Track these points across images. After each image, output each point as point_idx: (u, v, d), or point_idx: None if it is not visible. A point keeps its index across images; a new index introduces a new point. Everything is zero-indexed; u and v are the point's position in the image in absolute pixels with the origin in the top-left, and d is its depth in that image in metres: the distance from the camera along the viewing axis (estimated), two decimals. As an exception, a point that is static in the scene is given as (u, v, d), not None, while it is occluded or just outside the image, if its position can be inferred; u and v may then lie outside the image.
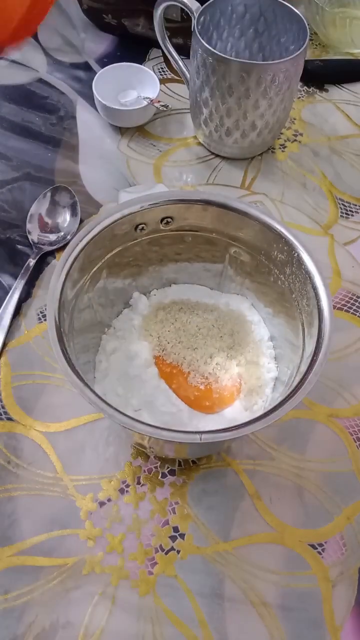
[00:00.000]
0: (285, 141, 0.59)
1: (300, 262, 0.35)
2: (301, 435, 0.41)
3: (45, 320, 0.45)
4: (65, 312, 0.33)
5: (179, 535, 0.37)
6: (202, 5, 0.49)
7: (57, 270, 0.33)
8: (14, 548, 0.36)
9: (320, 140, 0.59)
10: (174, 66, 0.56)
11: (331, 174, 0.57)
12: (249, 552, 0.37)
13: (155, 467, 0.39)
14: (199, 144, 0.58)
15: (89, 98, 0.59)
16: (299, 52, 0.47)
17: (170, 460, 0.40)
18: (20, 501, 0.38)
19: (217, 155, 0.57)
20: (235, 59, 0.46)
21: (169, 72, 0.64)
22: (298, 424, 0.42)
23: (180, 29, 0.60)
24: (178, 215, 0.38)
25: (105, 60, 0.65)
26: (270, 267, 0.38)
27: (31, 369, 0.43)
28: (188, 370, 0.39)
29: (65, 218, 0.51)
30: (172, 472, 0.39)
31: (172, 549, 0.37)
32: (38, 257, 0.48)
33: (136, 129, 0.59)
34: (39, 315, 0.46)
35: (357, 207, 0.54)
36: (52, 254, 0.50)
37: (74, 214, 0.51)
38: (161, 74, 0.64)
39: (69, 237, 0.50)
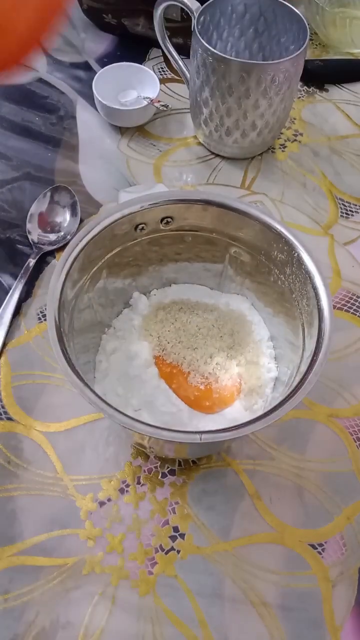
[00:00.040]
0: (285, 141, 0.59)
1: (300, 262, 0.35)
2: (301, 435, 0.41)
3: (45, 320, 0.45)
4: (65, 312, 0.33)
5: (179, 535, 0.37)
6: (202, 5, 0.49)
7: (57, 270, 0.33)
8: (14, 548, 0.36)
9: (320, 140, 0.59)
10: (174, 66, 0.56)
11: (331, 173, 0.57)
12: (249, 552, 0.37)
13: (155, 467, 0.39)
14: (199, 143, 0.58)
15: (89, 98, 0.59)
16: (299, 52, 0.47)
17: (170, 460, 0.40)
18: (20, 501, 0.38)
19: (217, 155, 0.57)
20: (235, 58, 0.46)
21: (169, 71, 0.64)
22: (298, 424, 0.42)
23: (180, 29, 0.60)
24: (178, 215, 0.38)
25: (105, 60, 0.65)
26: (270, 267, 0.38)
27: (31, 369, 0.43)
28: (188, 370, 0.39)
29: (65, 218, 0.51)
30: (172, 472, 0.39)
31: (172, 549, 0.37)
32: (38, 257, 0.48)
33: (136, 129, 0.59)
34: (39, 315, 0.46)
35: (357, 207, 0.54)
36: (52, 253, 0.50)
37: (74, 213, 0.51)
38: (161, 74, 0.64)
39: (69, 237, 0.50)
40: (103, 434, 0.40)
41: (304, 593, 0.36)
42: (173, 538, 0.37)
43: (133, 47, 0.66)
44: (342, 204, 0.54)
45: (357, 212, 0.54)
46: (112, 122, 0.58)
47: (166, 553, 0.36)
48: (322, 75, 0.65)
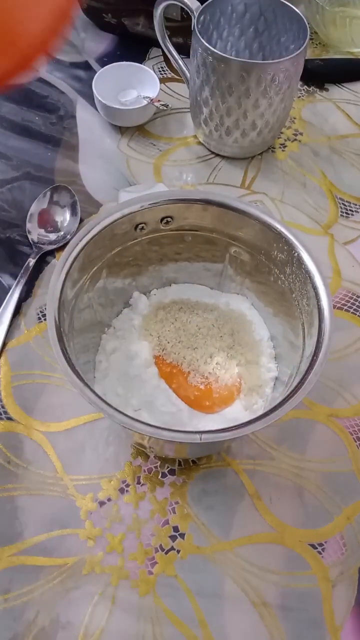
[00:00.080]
0: (285, 140, 0.59)
1: (300, 261, 0.35)
2: (301, 435, 0.41)
3: (45, 320, 0.45)
4: (65, 312, 0.33)
5: (179, 535, 0.37)
6: (202, 4, 0.49)
7: (57, 270, 0.33)
8: (14, 548, 0.36)
9: (320, 140, 0.59)
10: (174, 65, 0.56)
11: (331, 173, 0.57)
12: (249, 552, 0.37)
13: (155, 467, 0.39)
14: (199, 143, 0.58)
15: (89, 97, 0.59)
16: (299, 51, 0.47)
17: (170, 460, 0.40)
18: (20, 501, 0.38)
19: (217, 155, 0.57)
20: (235, 58, 0.46)
21: (169, 71, 0.64)
22: (298, 424, 0.42)
23: (180, 28, 0.60)
24: (178, 214, 0.38)
25: (105, 59, 0.65)
26: (270, 266, 0.38)
27: (31, 368, 0.43)
28: (188, 370, 0.39)
29: (65, 217, 0.51)
30: (172, 472, 0.39)
31: (172, 548, 0.37)
32: (38, 256, 0.48)
33: (136, 129, 0.59)
34: (39, 315, 0.46)
35: (357, 207, 0.54)
36: (52, 253, 0.50)
37: (73, 213, 0.51)
38: (161, 73, 0.64)
39: (68, 236, 0.50)
40: (103, 434, 0.40)
41: (304, 593, 0.36)
42: (173, 538, 0.37)
43: (133, 47, 0.66)
44: (342, 203, 0.54)
45: (357, 212, 0.54)
46: (112, 121, 0.58)
47: (166, 553, 0.36)
48: (322, 74, 0.65)
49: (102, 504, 0.38)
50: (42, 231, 0.50)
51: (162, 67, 0.65)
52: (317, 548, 0.37)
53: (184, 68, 0.55)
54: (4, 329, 0.44)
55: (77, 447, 0.40)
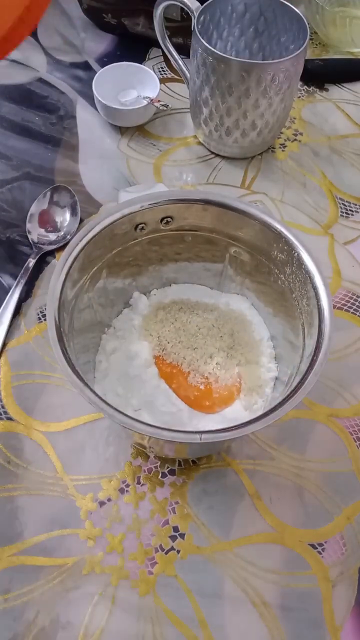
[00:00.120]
0: (285, 140, 0.59)
1: (300, 261, 0.35)
2: (301, 435, 0.41)
3: (45, 320, 0.45)
4: (65, 312, 0.33)
5: (179, 535, 0.37)
6: (202, 4, 0.49)
7: (57, 270, 0.33)
8: (14, 548, 0.36)
9: (320, 140, 0.59)
10: (174, 65, 0.56)
11: (331, 173, 0.57)
12: (249, 552, 0.37)
13: (155, 467, 0.39)
14: (199, 143, 0.58)
15: (89, 98, 0.59)
16: (299, 51, 0.47)
17: (170, 460, 0.40)
18: (20, 501, 0.38)
19: (217, 155, 0.57)
20: (235, 58, 0.46)
21: (169, 71, 0.64)
22: (298, 424, 0.42)
23: (180, 29, 0.60)
24: (178, 214, 0.38)
25: (105, 59, 0.65)
26: (270, 266, 0.38)
27: (31, 368, 0.43)
28: (188, 370, 0.39)
29: (65, 218, 0.51)
30: (172, 472, 0.39)
31: (172, 548, 0.37)
32: (38, 256, 0.48)
33: (136, 129, 0.59)
34: (39, 315, 0.46)
35: (357, 207, 0.54)
36: (52, 253, 0.50)
37: (73, 213, 0.51)
38: (161, 74, 0.64)
39: (68, 236, 0.50)
40: (103, 434, 0.40)
41: (304, 593, 0.36)
42: (173, 538, 0.37)
43: (133, 47, 0.66)
44: (342, 203, 0.54)
45: (357, 212, 0.54)
46: (112, 121, 0.58)
47: (166, 553, 0.36)
48: (322, 74, 0.65)
49: (102, 504, 0.38)
50: (42, 231, 0.50)
51: (162, 67, 0.65)
52: (317, 548, 0.37)
53: (184, 68, 0.55)
54: (4, 329, 0.44)
55: (77, 447, 0.40)
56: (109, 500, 0.38)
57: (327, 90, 0.64)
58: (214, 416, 0.39)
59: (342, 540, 0.37)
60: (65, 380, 0.41)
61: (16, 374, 0.43)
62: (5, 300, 0.45)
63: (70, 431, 0.41)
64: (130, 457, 0.40)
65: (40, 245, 0.49)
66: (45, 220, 0.51)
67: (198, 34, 0.47)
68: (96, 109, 0.58)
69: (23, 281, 0.46)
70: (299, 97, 0.63)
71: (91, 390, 0.30)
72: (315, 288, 0.34)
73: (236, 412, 0.39)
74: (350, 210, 0.54)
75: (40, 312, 0.46)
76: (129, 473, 0.39)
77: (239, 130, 0.52)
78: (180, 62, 0.55)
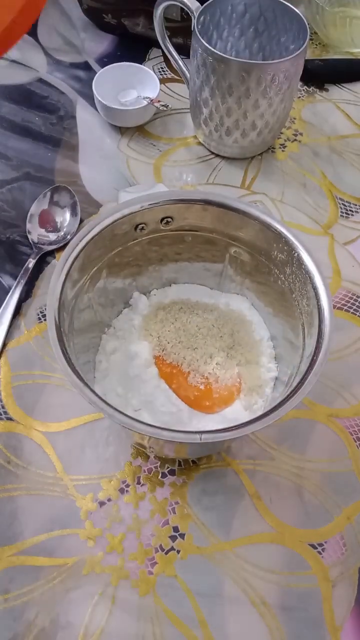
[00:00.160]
0: (285, 141, 0.59)
1: (300, 261, 0.35)
2: (301, 435, 0.41)
3: (45, 320, 0.45)
4: (65, 312, 0.33)
5: (179, 535, 0.37)
6: (202, 4, 0.49)
7: (57, 270, 0.33)
8: (14, 548, 0.36)
9: (320, 140, 0.59)
10: (174, 66, 0.56)
11: (331, 173, 0.57)
12: (249, 552, 0.37)
13: (155, 467, 0.39)
14: (199, 143, 0.58)
15: (89, 98, 0.59)
16: (299, 51, 0.47)
17: (170, 460, 0.40)
18: (20, 501, 0.38)
19: (217, 155, 0.57)
20: (235, 58, 0.46)
21: (169, 71, 0.64)
22: (298, 424, 0.42)
23: (180, 29, 0.60)
24: (178, 215, 0.38)
25: (105, 59, 0.65)
26: (270, 267, 0.38)
27: (31, 369, 0.43)
28: (188, 370, 0.39)
29: (65, 218, 0.51)
30: (172, 472, 0.39)
31: (172, 548, 0.37)
32: (38, 257, 0.48)
33: (136, 129, 0.59)
34: (39, 315, 0.46)
35: (357, 207, 0.54)
36: (52, 253, 0.50)
37: (74, 213, 0.51)
38: (161, 74, 0.64)
39: (69, 237, 0.50)
40: (103, 434, 0.40)
41: (304, 593, 0.36)
42: (173, 538, 0.37)
43: (133, 47, 0.66)
44: (342, 203, 0.54)
45: (357, 212, 0.54)
46: (112, 122, 0.58)
47: (166, 553, 0.36)
48: (322, 75, 0.65)
49: (102, 504, 0.38)
50: (42, 231, 0.50)
51: (162, 68, 0.65)
52: (317, 548, 0.37)
53: (184, 68, 0.55)
54: (4, 329, 0.44)
55: (77, 447, 0.40)
56: (109, 500, 0.38)
57: (327, 90, 0.64)
58: (214, 416, 0.39)
59: (342, 540, 0.37)
60: (65, 380, 0.41)
61: (16, 374, 0.43)
62: (5, 300, 0.45)
63: (70, 431, 0.41)
64: (130, 457, 0.40)
65: (40, 246, 0.49)
66: (45, 221, 0.51)
67: (198, 34, 0.47)
68: (96, 109, 0.58)
69: (23, 281, 0.46)
70: (299, 97, 0.63)
71: (91, 390, 0.30)
72: (315, 288, 0.34)
73: (236, 412, 0.39)
74: (350, 210, 0.54)
75: (40, 312, 0.46)
76: (129, 473, 0.39)
77: (239, 130, 0.52)
78: (180, 62, 0.55)
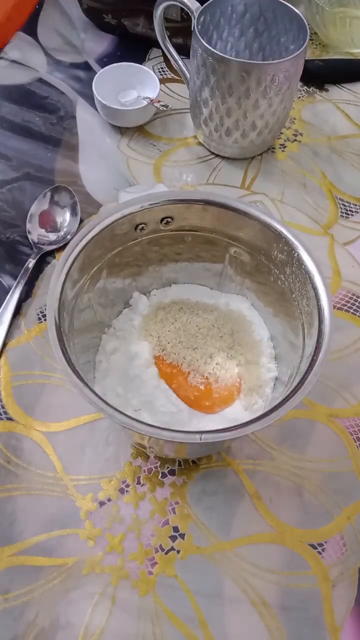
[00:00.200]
0: (285, 141, 0.59)
1: (300, 262, 0.35)
2: (301, 435, 0.41)
3: (45, 320, 0.45)
4: (65, 312, 0.33)
5: (179, 535, 0.37)
6: (202, 5, 0.49)
7: (57, 270, 0.33)
8: (14, 548, 0.36)
9: (320, 140, 0.59)
10: (174, 66, 0.56)
11: (331, 173, 0.57)
12: (249, 552, 0.37)
13: (155, 467, 0.39)
14: (199, 143, 0.58)
15: (89, 98, 0.59)
16: (299, 51, 0.47)
17: (170, 460, 0.40)
18: (20, 501, 0.38)
19: (217, 155, 0.57)
20: (235, 58, 0.46)
21: (169, 72, 0.64)
22: (298, 424, 0.42)
23: (180, 29, 0.60)
24: (178, 215, 0.38)
25: (105, 60, 0.65)
26: (270, 267, 0.38)
27: (31, 369, 0.43)
28: (188, 370, 0.39)
29: (65, 218, 0.51)
30: (172, 472, 0.39)
31: (172, 549, 0.37)
32: (38, 257, 0.48)
33: (136, 129, 0.59)
34: (39, 315, 0.46)
35: (357, 207, 0.54)
36: (52, 253, 0.50)
37: (74, 213, 0.51)
38: (161, 74, 0.64)
39: (69, 237, 0.50)
40: (103, 434, 0.40)
41: (304, 593, 0.36)
42: (173, 538, 0.37)
43: (133, 47, 0.66)
44: (342, 203, 0.54)
45: (357, 212, 0.54)
46: (112, 122, 0.58)
47: (166, 553, 0.36)
48: (322, 75, 0.65)
49: (102, 504, 0.38)
50: (42, 231, 0.50)
51: (162, 68, 0.65)
52: (317, 548, 0.37)
53: (184, 68, 0.55)
54: (4, 329, 0.44)
55: (77, 447, 0.40)
56: (109, 500, 0.38)
57: (327, 90, 0.64)
58: (214, 416, 0.39)
59: (342, 540, 0.37)
60: (65, 380, 0.41)
61: (16, 374, 0.43)
62: (5, 300, 0.45)
63: (70, 431, 0.41)
64: (130, 457, 0.40)
65: (40, 246, 0.49)
66: (45, 221, 0.51)
67: (198, 35, 0.47)
68: (96, 109, 0.58)
69: (23, 281, 0.46)
70: (299, 97, 0.63)
71: (91, 390, 0.30)
72: (315, 288, 0.34)
73: (236, 412, 0.39)
74: (350, 210, 0.54)
75: (40, 312, 0.46)
76: (129, 473, 0.39)
77: (239, 130, 0.52)
78: (180, 62, 0.55)
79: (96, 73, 0.57)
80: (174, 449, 0.37)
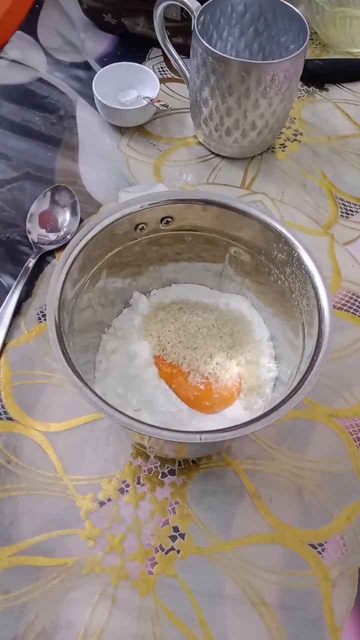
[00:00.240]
0: (285, 141, 0.59)
1: (300, 261, 0.35)
2: (301, 435, 0.41)
3: (45, 320, 0.45)
4: (65, 312, 0.33)
5: (179, 535, 0.37)
6: (202, 4, 0.49)
7: (57, 270, 0.33)
8: (14, 548, 0.36)
9: (320, 140, 0.59)
10: (174, 66, 0.56)
11: (331, 173, 0.57)
12: (249, 552, 0.37)
13: (155, 467, 0.39)
14: (199, 143, 0.58)
15: (89, 97, 0.59)
16: (299, 51, 0.47)
17: (170, 460, 0.40)
18: (20, 501, 0.38)
19: (217, 155, 0.57)
20: (235, 58, 0.46)
21: (169, 71, 0.64)
22: (298, 424, 0.42)
23: (180, 29, 0.60)
24: (178, 215, 0.38)
25: (105, 59, 0.65)
26: (270, 266, 0.38)
27: (31, 369, 0.43)
28: (188, 370, 0.39)
29: (65, 218, 0.51)
30: (172, 472, 0.39)
31: (172, 548, 0.37)
32: (38, 256, 0.48)
33: (136, 129, 0.59)
34: (39, 315, 0.46)
35: (357, 207, 0.54)
36: (52, 253, 0.50)
37: (73, 213, 0.51)
38: (161, 74, 0.64)
39: (68, 236, 0.50)
40: (103, 434, 0.40)
41: (304, 593, 0.36)
42: (173, 538, 0.37)
43: (133, 47, 0.66)
44: (342, 203, 0.54)
45: (357, 212, 0.54)
46: (112, 121, 0.58)
47: (166, 553, 0.36)
48: (322, 74, 0.65)
49: (102, 504, 0.38)
50: (42, 231, 0.50)
51: (162, 67, 0.65)
52: (317, 548, 0.37)
53: (184, 68, 0.55)
54: (4, 329, 0.44)
55: (77, 447, 0.40)
56: (109, 500, 0.38)
57: (327, 90, 0.64)
58: (214, 416, 0.39)
59: (342, 540, 0.37)
60: (65, 380, 0.41)
61: (16, 374, 0.43)
62: (5, 300, 0.45)
63: (70, 431, 0.41)
64: (130, 457, 0.40)
65: (40, 245, 0.49)
66: (45, 220, 0.51)
67: (198, 34, 0.47)
68: (96, 109, 0.58)
69: (23, 281, 0.46)
70: (299, 97, 0.63)
71: (91, 390, 0.30)
72: (315, 288, 0.34)
73: (236, 412, 0.39)
74: (350, 210, 0.54)
75: (40, 312, 0.46)
76: (129, 473, 0.39)
77: (239, 130, 0.52)
78: (180, 62, 0.55)
79: (96, 73, 0.57)
80: (174, 449, 0.37)
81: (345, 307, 0.48)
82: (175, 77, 0.64)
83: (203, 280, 0.44)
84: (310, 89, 0.64)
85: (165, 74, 0.64)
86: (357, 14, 0.65)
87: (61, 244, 0.50)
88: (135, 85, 0.59)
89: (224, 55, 0.46)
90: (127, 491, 0.38)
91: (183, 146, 0.58)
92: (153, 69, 0.64)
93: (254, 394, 0.39)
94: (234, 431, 0.29)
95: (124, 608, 0.35)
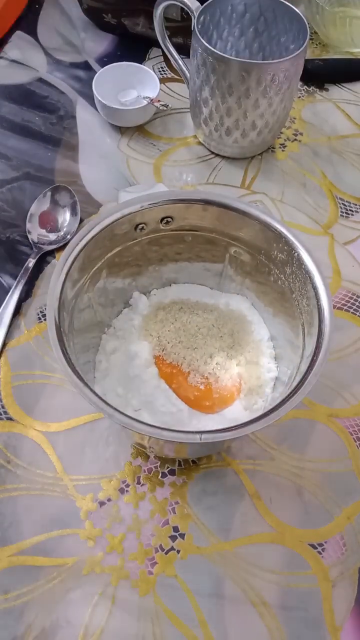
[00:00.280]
0: (285, 140, 0.59)
1: (300, 261, 0.35)
2: (301, 435, 0.41)
3: (45, 320, 0.45)
4: (65, 312, 0.33)
5: (179, 535, 0.37)
6: (202, 4, 0.49)
7: (57, 270, 0.33)
8: (14, 548, 0.36)
9: (320, 140, 0.59)
10: (174, 65, 0.56)
11: (331, 173, 0.57)
12: (249, 552, 0.37)
13: (155, 467, 0.39)
14: (199, 143, 0.58)
15: (89, 97, 0.59)
16: (299, 51, 0.47)
17: (170, 460, 0.40)
18: (20, 501, 0.38)
19: (217, 155, 0.57)
20: (235, 58, 0.46)
21: (169, 71, 0.64)
22: (298, 424, 0.42)
23: (180, 29, 0.60)
24: (178, 215, 0.38)
25: (105, 59, 0.65)
26: (270, 266, 0.38)
27: (31, 368, 0.43)
28: (188, 370, 0.39)
29: (65, 218, 0.51)
30: (172, 472, 0.39)
31: (172, 548, 0.37)
32: (38, 256, 0.48)
33: (136, 129, 0.59)
34: (39, 315, 0.46)
35: (357, 207, 0.54)
36: (52, 253, 0.50)
37: (73, 213, 0.51)
38: (161, 74, 0.64)
39: (68, 236, 0.50)
40: (103, 434, 0.40)
41: (304, 593, 0.36)
42: (173, 538, 0.37)
43: (133, 47, 0.66)
44: (342, 203, 0.54)
45: (357, 212, 0.54)
46: (112, 121, 0.58)
47: (166, 553, 0.36)
48: (322, 74, 0.65)
49: (102, 504, 0.38)
50: (42, 231, 0.50)
51: (162, 67, 0.65)
52: (317, 548, 0.37)
53: (184, 68, 0.55)
54: (4, 329, 0.44)
55: (77, 447, 0.40)
56: (109, 500, 0.38)
57: (327, 90, 0.64)
58: (214, 416, 0.39)
59: (342, 540, 0.37)
60: (65, 380, 0.41)
61: (16, 374, 0.43)
62: (5, 300, 0.45)
63: (70, 431, 0.41)
64: (130, 457, 0.40)
65: (40, 245, 0.49)
66: (45, 220, 0.51)
67: (198, 34, 0.47)
68: (96, 109, 0.58)
69: (23, 281, 0.46)
70: (299, 97, 0.63)
71: (91, 390, 0.30)
72: (315, 288, 0.34)
73: (236, 412, 0.39)
74: (350, 210, 0.54)
75: (40, 312, 0.46)
76: (129, 473, 0.39)
77: (239, 130, 0.52)
78: (180, 62, 0.55)
79: (96, 73, 0.57)
80: (174, 449, 0.37)
81: (345, 307, 0.48)
82: (175, 77, 0.64)
83: (203, 280, 0.44)
84: (310, 89, 0.64)
85: (165, 74, 0.64)
86: (357, 14, 0.65)
87: (61, 244, 0.50)
88: (135, 85, 0.59)
89: (224, 55, 0.46)
90: (127, 491, 0.38)
91: (183, 146, 0.58)
92: (153, 69, 0.64)
93: (254, 394, 0.39)
94: (234, 431, 0.29)
95: (124, 608, 0.35)
